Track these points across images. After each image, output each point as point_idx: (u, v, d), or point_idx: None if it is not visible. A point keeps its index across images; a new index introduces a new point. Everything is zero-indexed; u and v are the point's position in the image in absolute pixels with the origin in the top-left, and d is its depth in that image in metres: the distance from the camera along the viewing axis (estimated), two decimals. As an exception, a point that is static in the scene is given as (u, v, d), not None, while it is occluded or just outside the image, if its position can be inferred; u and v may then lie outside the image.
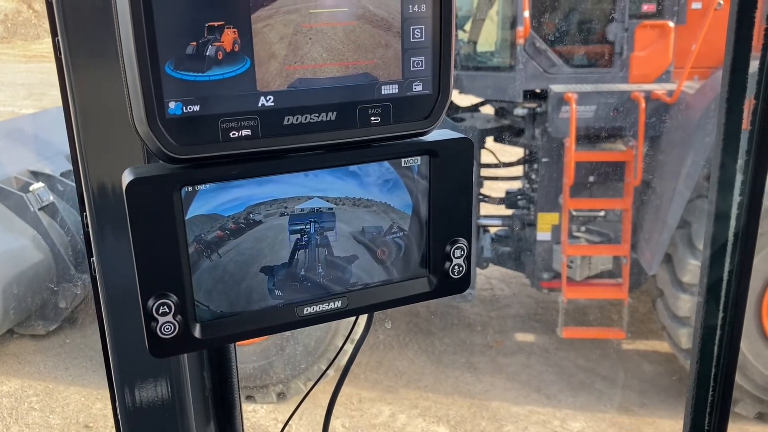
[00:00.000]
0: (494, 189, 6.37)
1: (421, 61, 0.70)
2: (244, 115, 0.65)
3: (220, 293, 0.71)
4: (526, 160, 6.04)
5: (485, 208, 6.12)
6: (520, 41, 5.25)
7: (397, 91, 0.70)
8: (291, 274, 0.74)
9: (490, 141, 5.99)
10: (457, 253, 0.80)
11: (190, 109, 0.63)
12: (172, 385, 0.91)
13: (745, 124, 0.96)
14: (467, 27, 5.87)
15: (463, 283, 0.81)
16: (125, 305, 0.87)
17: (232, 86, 0.64)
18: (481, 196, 5.96)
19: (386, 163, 0.74)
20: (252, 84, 0.65)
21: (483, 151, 5.91)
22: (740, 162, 0.96)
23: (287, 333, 4.82)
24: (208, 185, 0.68)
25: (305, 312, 0.75)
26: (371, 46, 0.68)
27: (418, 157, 0.75)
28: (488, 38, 5.83)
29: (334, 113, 0.69)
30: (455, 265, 0.80)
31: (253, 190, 0.69)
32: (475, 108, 6.26)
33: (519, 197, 5.98)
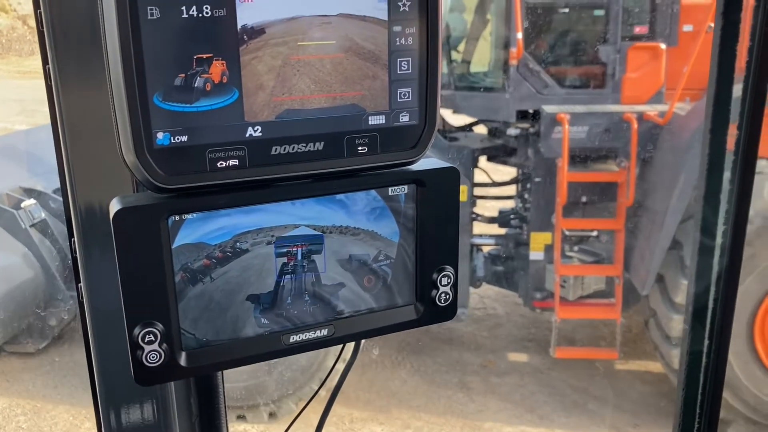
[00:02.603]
0: (487, 208, 6.39)
1: (408, 92, 0.71)
2: (232, 146, 0.66)
3: (206, 322, 0.71)
4: (519, 180, 6.07)
5: (478, 228, 6.13)
6: (513, 62, 5.30)
7: (384, 121, 0.71)
8: (277, 303, 0.74)
9: (483, 160, 6.02)
10: (444, 281, 0.80)
11: (177, 139, 0.64)
12: (159, 412, 0.90)
13: (730, 145, 0.97)
14: (461, 47, 5.92)
15: (450, 310, 0.82)
16: (112, 331, 0.87)
17: (220, 117, 0.65)
18: (474, 215, 5.98)
19: (373, 192, 0.75)
20: (240, 115, 0.65)
21: (476, 171, 5.93)
22: (725, 188, 0.97)
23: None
24: (195, 214, 0.68)
25: (291, 340, 0.75)
26: (358, 78, 0.69)
27: (405, 186, 0.76)
28: (482, 59, 5.89)
29: (322, 143, 0.69)
30: (442, 292, 0.80)
31: (240, 219, 0.70)
32: (468, 128, 6.29)
33: (512, 217, 6.00)
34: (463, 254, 5.27)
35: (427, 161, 0.77)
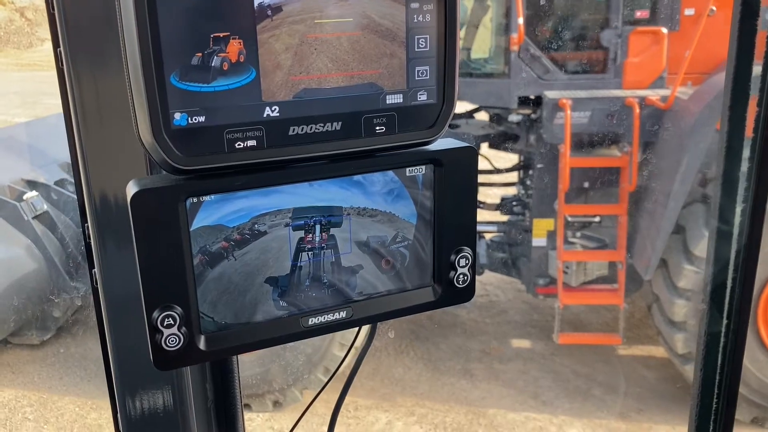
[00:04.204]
0: (489, 195, 6.38)
1: (426, 70, 0.70)
2: (250, 126, 0.65)
3: (225, 304, 0.70)
4: (522, 166, 6.05)
5: (481, 215, 6.12)
6: (515, 48, 5.27)
7: (401, 100, 0.70)
8: (296, 285, 0.73)
9: (485, 147, 6.01)
10: (462, 262, 0.80)
11: (195, 120, 0.63)
12: (175, 398, 0.90)
13: (749, 131, 0.96)
14: (461, 34, 5.88)
15: (468, 292, 0.81)
16: (127, 317, 0.86)
17: (237, 97, 0.64)
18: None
19: (391, 173, 0.74)
20: (257, 94, 0.65)
21: (478, 158, 5.90)
22: (743, 169, 0.96)
23: (283, 341, 4.79)
24: (212, 196, 0.67)
25: (310, 323, 0.74)
26: (376, 56, 0.68)
27: (423, 167, 0.75)
28: (482, 45, 5.85)
29: (339, 123, 0.68)
30: (460, 274, 0.80)
31: (258, 201, 0.69)
32: (470, 114, 6.27)
33: (514, 203, 5.99)
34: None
35: (445, 141, 0.76)
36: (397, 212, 0.76)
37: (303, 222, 0.71)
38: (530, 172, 5.75)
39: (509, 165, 6.18)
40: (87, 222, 0.84)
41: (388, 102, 0.70)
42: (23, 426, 4.86)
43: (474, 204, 0.79)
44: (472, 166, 0.77)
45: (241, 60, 0.63)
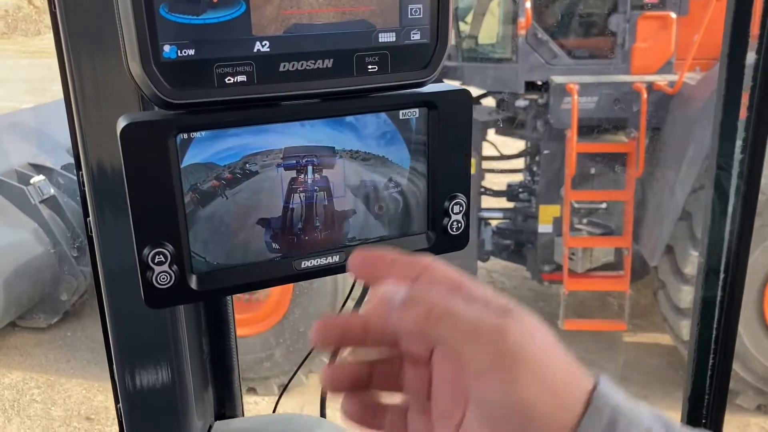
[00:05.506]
0: (495, 182, 6.36)
1: (419, 8, 0.70)
2: (240, 61, 0.65)
3: (216, 245, 0.70)
4: (528, 152, 6.03)
5: (486, 201, 6.11)
6: (522, 32, 5.25)
7: (394, 39, 0.70)
8: (288, 227, 0.73)
9: (491, 133, 5.99)
10: (456, 209, 0.79)
11: (185, 52, 0.63)
12: (170, 349, 0.90)
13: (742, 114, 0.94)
14: (468, 19, 5.86)
15: (462, 239, 0.80)
16: (123, 264, 0.86)
17: (227, 30, 0.63)
18: (482, 189, 5.95)
19: (384, 115, 0.74)
20: (247, 28, 0.64)
21: (484, 144, 5.89)
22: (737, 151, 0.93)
23: (287, 322, 4.83)
24: (203, 133, 0.67)
25: (303, 266, 0.74)
26: (368, -8, 0.67)
27: (416, 110, 0.75)
28: (489, 30, 5.82)
29: (331, 60, 0.68)
30: (454, 221, 0.79)
31: (250, 140, 0.69)
32: (476, 100, 6.25)
33: (520, 190, 5.97)
34: (471, 228, 5.23)
35: (438, 85, 0.75)
36: (390, 156, 0.75)
37: (295, 162, 0.71)
38: (537, 158, 5.73)
39: (515, 151, 6.15)
40: (81, 170, 0.84)
41: (380, 40, 0.69)
42: (31, 407, 4.90)
43: (468, 149, 0.78)
44: (467, 110, 0.76)
45: (231, -8, 0.62)
